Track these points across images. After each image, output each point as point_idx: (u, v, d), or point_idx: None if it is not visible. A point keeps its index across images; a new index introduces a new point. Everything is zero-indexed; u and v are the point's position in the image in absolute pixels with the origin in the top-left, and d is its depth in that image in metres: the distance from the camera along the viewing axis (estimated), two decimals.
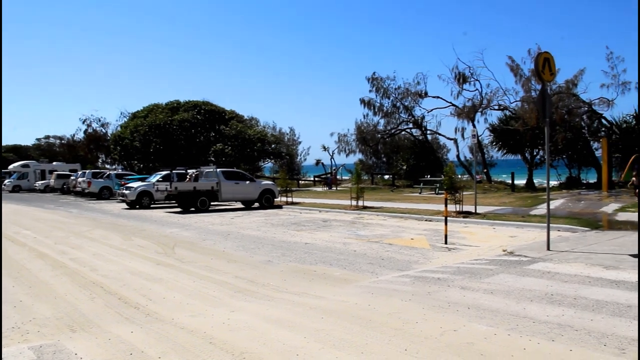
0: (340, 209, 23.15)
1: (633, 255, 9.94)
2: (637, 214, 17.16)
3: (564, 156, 34.63)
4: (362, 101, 42.39)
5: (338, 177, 50.63)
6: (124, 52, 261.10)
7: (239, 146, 44.29)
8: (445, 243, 12.65)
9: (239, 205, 28.11)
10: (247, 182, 26.54)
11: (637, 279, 8.06)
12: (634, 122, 31.96)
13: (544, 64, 11.39)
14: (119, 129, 52.62)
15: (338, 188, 41.11)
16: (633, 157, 21.51)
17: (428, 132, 42.64)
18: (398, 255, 11.30)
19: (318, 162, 58.11)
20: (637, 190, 20.59)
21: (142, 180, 30.84)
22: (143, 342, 5.81)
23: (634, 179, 20.83)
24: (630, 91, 32.04)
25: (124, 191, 28.57)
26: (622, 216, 16.89)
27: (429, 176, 35.77)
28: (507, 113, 35.97)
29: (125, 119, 53.11)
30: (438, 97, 39.21)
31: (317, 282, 8.83)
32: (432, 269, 9.60)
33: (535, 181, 34.44)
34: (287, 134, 59.68)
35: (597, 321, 6.07)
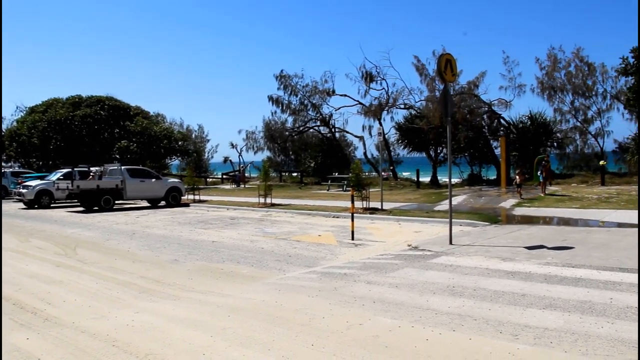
0: (248, 207, 23.03)
1: (528, 248, 10.52)
2: (532, 208, 18.13)
3: (466, 154, 36.01)
4: (271, 98, 42.37)
5: (246, 174, 50.32)
6: (17, 43, 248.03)
7: (145, 143, 43.08)
8: (352, 239, 12.86)
9: (145, 203, 27.38)
10: (153, 180, 25.90)
11: (530, 270, 8.54)
12: (529, 122, 33.76)
13: (446, 65, 11.79)
14: (14, 124, 49.77)
15: (246, 186, 40.89)
16: (536, 159, 22.88)
17: (336, 130, 43.22)
18: (305, 252, 11.38)
19: (226, 159, 57.47)
20: (518, 189, 21.81)
21: (41, 178, 29.40)
22: (40, 349, 5.55)
23: (517, 177, 22.01)
24: (525, 93, 33.97)
25: (21, 190, 27.12)
26: (519, 211, 17.78)
27: (337, 173, 36.20)
28: (413, 112, 37.04)
29: (22, 114, 50.35)
30: (346, 95, 39.87)
31: (224, 281, 8.75)
32: (339, 265, 9.74)
33: (439, 178, 35.62)
34: (195, 131, 58.78)
35: (495, 310, 6.36)
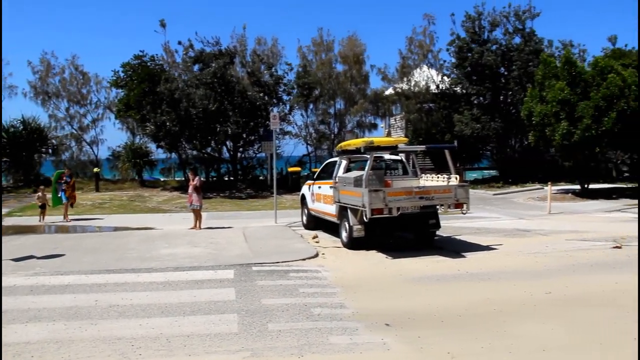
0: None
1: (15, 260, 9.85)
2: (24, 217, 17.34)
3: None
4: None
5: None
6: None
7: None
8: None
9: None
10: None
11: (16, 283, 8.05)
12: (22, 127, 31.93)
13: None
14: None
15: None
16: (54, 175, 18.43)
17: None
18: None
19: None
20: (42, 210, 18.40)
21: None
22: None
23: (39, 194, 18.20)
24: (18, 96, 32.28)
25: None
26: (10, 221, 16.74)
27: None
28: None
29: None
30: None
31: None
32: None
33: None
34: None
35: None
